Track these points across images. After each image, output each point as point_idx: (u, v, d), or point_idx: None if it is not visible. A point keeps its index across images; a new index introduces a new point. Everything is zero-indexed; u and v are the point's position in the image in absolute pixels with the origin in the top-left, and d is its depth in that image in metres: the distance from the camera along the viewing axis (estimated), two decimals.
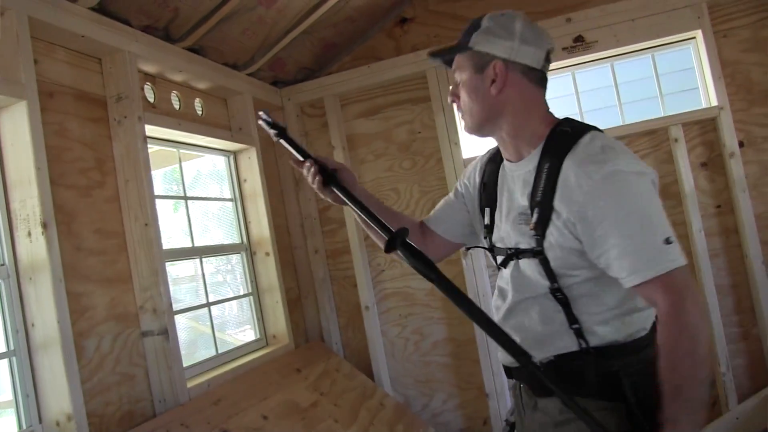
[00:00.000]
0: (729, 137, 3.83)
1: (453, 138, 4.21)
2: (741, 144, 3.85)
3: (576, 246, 1.60)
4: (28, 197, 2.31)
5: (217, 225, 4.16)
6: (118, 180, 2.88)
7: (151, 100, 3.26)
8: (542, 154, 1.67)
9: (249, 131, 3.97)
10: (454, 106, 1.78)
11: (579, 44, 4.05)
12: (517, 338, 1.61)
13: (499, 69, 1.66)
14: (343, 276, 4.47)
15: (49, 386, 2.29)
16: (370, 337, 4.32)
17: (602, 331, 1.61)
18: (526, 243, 1.69)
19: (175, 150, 3.54)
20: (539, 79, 1.71)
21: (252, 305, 3.96)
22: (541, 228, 1.64)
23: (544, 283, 1.66)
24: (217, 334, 3.58)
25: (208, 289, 3.54)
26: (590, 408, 1.46)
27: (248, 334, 4.02)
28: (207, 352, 3.47)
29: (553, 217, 1.61)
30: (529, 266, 1.69)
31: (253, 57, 3.89)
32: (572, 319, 1.63)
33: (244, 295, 3.96)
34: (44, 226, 2.29)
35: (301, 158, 1.87)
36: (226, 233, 4.08)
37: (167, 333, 2.81)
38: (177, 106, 3.48)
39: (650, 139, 4.03)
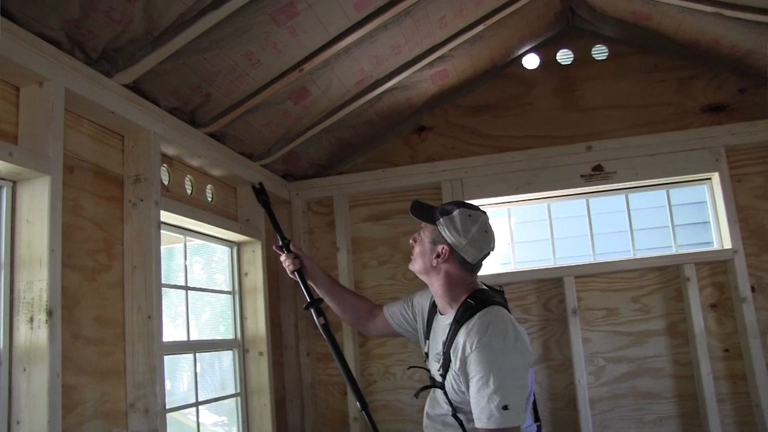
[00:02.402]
0: (742, 281, 3.78)
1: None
2: (753, 289, 3.79)
3: (463, 389, 2.20)
4: (36, 280, 2.12)
5: (210, 318, 3.95)
6: (125, 265, 2.70)
7: (166, 182, 3.12)
8: (454, 316, 2.29)
9: (256, 224, 3.83)
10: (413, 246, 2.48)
11: (597, 173, 4.04)
12: None
13: (445, 251, 2.32)
14: (333, 382, 4.24)
15: None
16: None
17: None
18: (438, 377, 2.34)
19: (181, 236, 3.38)
20: (471, 268, 2.35)
21: (238, 407, 3.71)
22: (443, 370, 2.28)
23: (447, 408, 2.28)
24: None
25: (198, 387, 3.31)
26: None
27: None
28: None
29: (450, 365, 2.24)
30: (439, 393, 2.34)
31: (270, 149, 3.80)
32: None
33: (232, 395, 3.71)
34: (49, 313, 2.09)
35: (280, 243, 3.01)
36: (216, 327, 3.88)
37: None
38: (189, 191, 3.35)
39: (660, 274, 3.98)
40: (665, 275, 3.97)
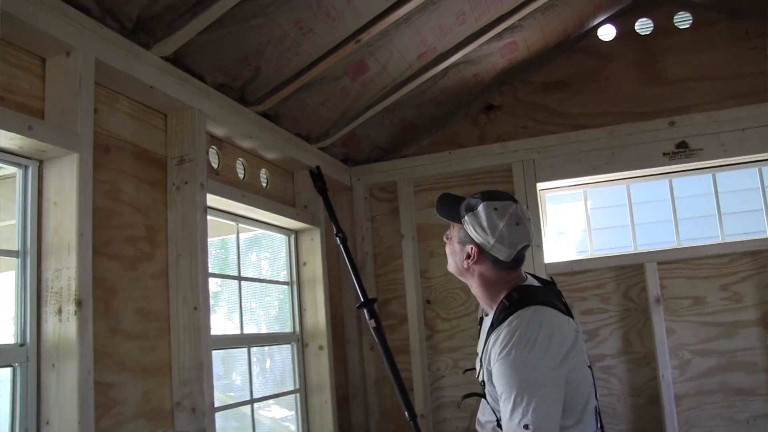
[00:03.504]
0: None
1: (536, 240, 3.81)
2: None
3: (496, 396, 1.96)
4: (64, 267, 1.94)
5: (265, 309, 3.77)
6: (169, 253, 2.52)
7: (215, 165, 2.94)
8: (492, 318, 2.05)
9: (315, 210, 3.63)
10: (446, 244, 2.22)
11: (682, 151, 3.78)
12: None
13: (474, 252, 2.05)
14: None
15: None
16: None
17: None
18: (480, 384, 2.11)
19: (233, 223, 3.19)
20: (508, 266, 2.05)
21: (297, 404, 3.51)
22: (482, 375, 2.06)
23: (492, 416, 2.04)
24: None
25: (253, 384, 3.12)
26: None
27: None
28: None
29: (485, 370, 2.02)
30: (484, 400, 2.10)
31: (328, 131, 3.59)
32: None
33: (291, 392, 3.52)
34: (78, 304, 1.91)
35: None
36: (273, 320, 3.69)
37: None
38: (241, 175, 3.16)
39: (753, 260, 3.71)
40: (758, 260, 3.69)
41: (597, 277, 3.88)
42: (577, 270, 3.89)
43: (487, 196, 2.06)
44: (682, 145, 3.76)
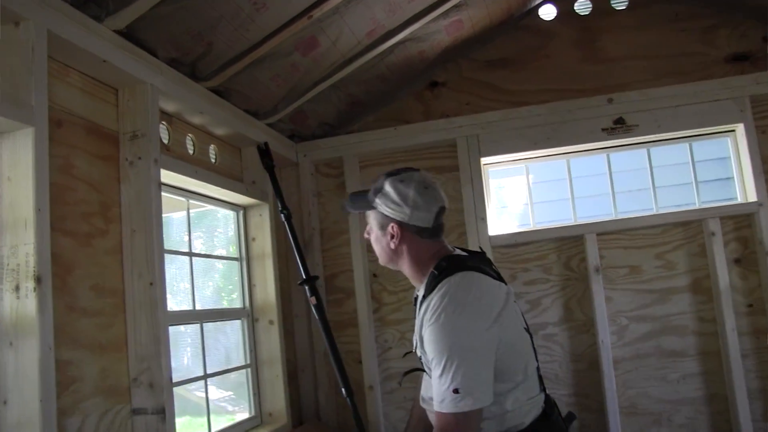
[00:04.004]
0: (767, 235, 3.70)
1: (480, 213, 3.96)
2: None
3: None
4: (21, 243, 1.91)
5: (214, 285, 3.77)
6: (123, 229, 2.50)
7: (165, 141, 2.91)
8: (424, 290, 2.06)
9: (263, 186, 3.63)
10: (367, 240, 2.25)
11: (619, 126, 3.93)
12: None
13: (395, 230, 2.10)
14: (346, 350, 4.06)
15: None
16: (372, 419, 3.94)
17: (485, 426, 1.93)
18: (418, 358, 2.12)
19: (183, 199, 3.17)
20: (431, 232, 2.10)
21: (248, 379, 3.53)
22: (419, 348, 2.06)
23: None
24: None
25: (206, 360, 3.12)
26: None
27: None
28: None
29: (418, 338, 2.04)
30: (426, 375, 2.09)
31: (276, 106, 3.59)
32: None
33: (242, 367, 3.54)
34: (38, 280, 1.89)
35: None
36: (221, 296, 3.69)
37: (164, 413, 2.38)
38: (191, 151, 3.14)
39: (684, 230, 3.90)
40: (689, 230, 3.88)
41: (539, 248, 4.00)
42: (520, 242, 3.99)
43: (390, 174, 2.12)
44: (619, 121, 3.90)
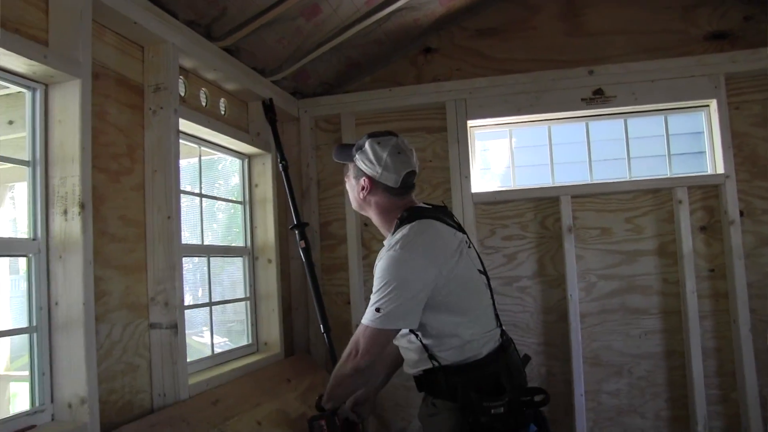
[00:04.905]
0: (732, 205, 3.94)
1: (464, 171, 4.25)
2: (741, 213, 3.95)
3: None
4: (69, 175, 2.30)
5: (220, 225, 4.14)
6: (145, 169, 2.87)
7: (182, 94, 3.26)
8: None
9: (267, 137, 3.98)
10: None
11: (598, 97, 4.15)
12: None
13: (367, 183, 2.39)
14: (336, 292, 4.45)
15: (66, 367, 2.25)
16: None
17: (445, 356, 2.23)
18: None
19: (196, 146, 3.54)
20: (398, 192, 2.37)
21: (247, 310, 3.94)
22: None
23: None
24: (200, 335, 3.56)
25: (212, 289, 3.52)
26: (442, 406, 2.24)
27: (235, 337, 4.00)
28: (202, 352, 3.45)
29: None
30: None
31: (281, 65, 3.91)
32: (425, 348, 2.25)
33: (243, 299, 3.93)
34: (82, 206, 2.28)
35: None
36: (227, 235, 4.08)
37: (176, 328, 2.79)
38: (204, 104, 3.48)
39: (654, 197, 4.13)
40: (658, 198, 4.13)
41: (517, 207, 4.26)
42: (500, 200, 4.26)
43: (372, 135, 2.41)
44: (598, 92, 4.13)
